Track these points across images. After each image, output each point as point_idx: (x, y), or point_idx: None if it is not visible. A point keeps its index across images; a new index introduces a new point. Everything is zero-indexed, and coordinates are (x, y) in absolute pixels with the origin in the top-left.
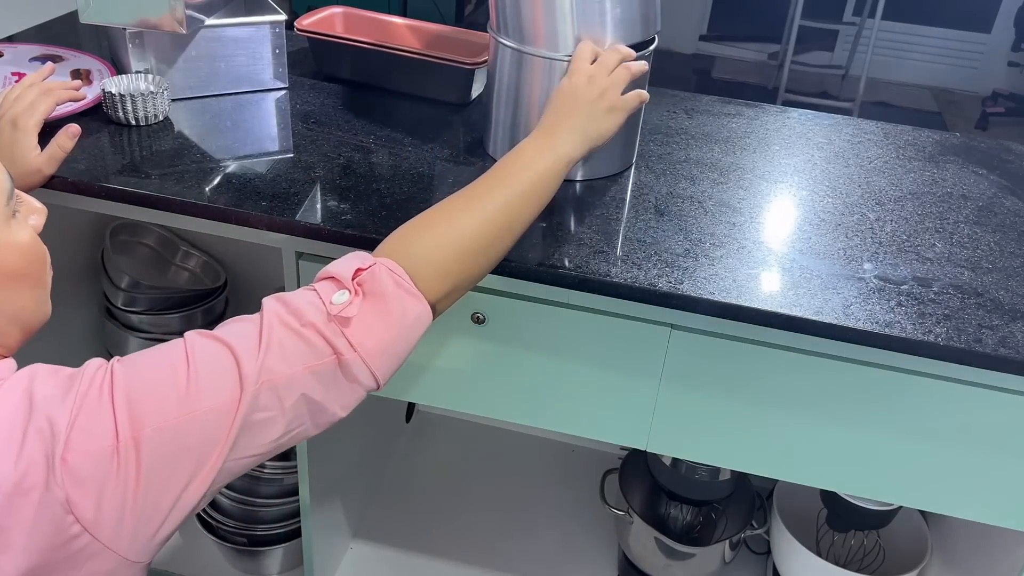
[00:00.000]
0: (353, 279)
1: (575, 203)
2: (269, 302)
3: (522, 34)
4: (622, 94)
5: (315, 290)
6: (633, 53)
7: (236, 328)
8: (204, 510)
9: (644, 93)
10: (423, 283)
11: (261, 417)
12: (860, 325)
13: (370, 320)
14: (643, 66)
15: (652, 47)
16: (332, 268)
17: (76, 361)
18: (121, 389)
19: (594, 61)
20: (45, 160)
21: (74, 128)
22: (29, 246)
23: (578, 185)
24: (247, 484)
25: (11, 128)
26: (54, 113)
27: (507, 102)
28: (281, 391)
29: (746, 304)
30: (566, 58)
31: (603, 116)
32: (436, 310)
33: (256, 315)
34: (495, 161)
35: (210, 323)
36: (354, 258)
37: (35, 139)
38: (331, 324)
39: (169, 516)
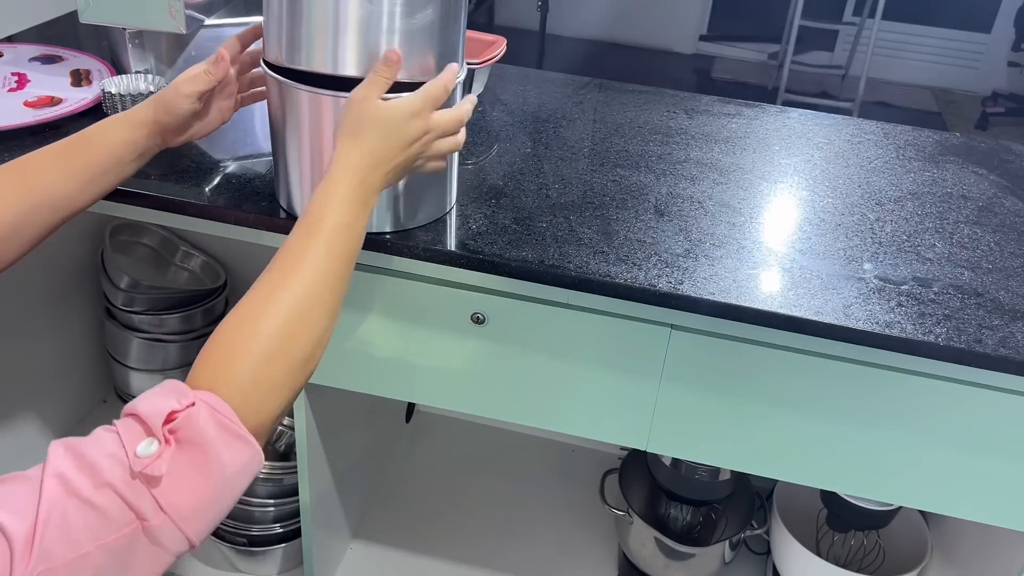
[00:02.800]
0: (164, 425)
1: (572, 206)
2: (56, 454)
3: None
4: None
5: (117, 433)
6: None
7: (12, 497)
8: None
9: (460, 138)
10: (252, 414)
11: None
12: (860, 325)
13: (186, 475)
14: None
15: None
16: (140, 405)
17: (76, 360)
18: None
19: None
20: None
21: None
22: None
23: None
24: None
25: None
26: (53, 114)
27: (300, 145)
28: None
29: (746, 304)
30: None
31: (409, 172)
32: (266, 439)
33: (37, 472)
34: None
35: (210, 323)
36: (168, 393)
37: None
38: (135, 482)
39: None
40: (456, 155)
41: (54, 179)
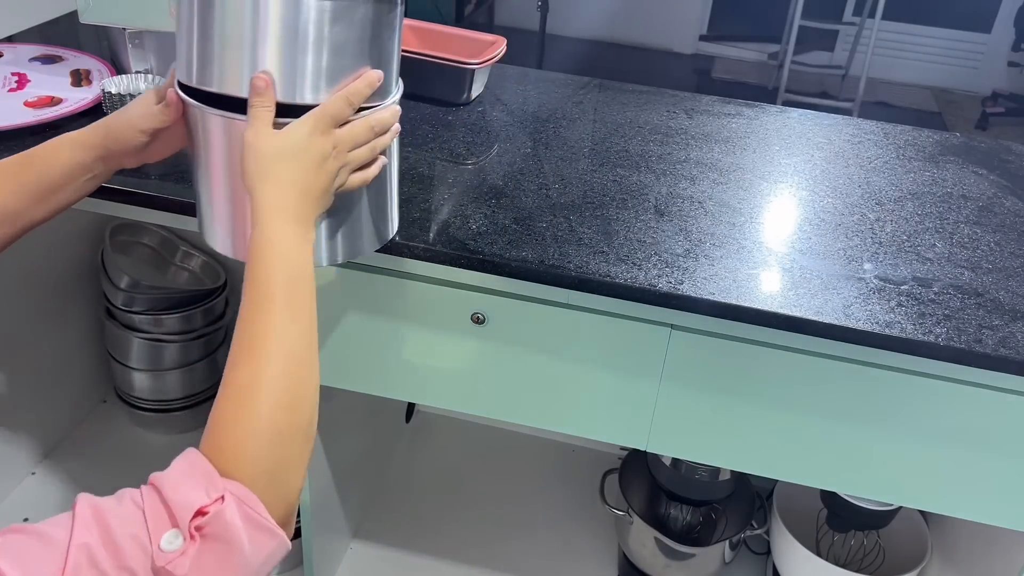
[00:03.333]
0: (192, 520)
1: (569, 207)
2: (82, 520)
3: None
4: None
5: (143, 512)
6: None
7: (33, 557)
8: None
9: (373, 171)
10: (281, 499)
11: None
12: (860, 325)
13: (209, 571)
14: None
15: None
16: (168, 488)
17: (76, 360)
18: None
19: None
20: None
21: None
22: None
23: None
24: None
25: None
26: (53, 114)
27: (214, 177)
28: None
29: (746, 304)
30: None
31: (333, 190)
32: (293, 519)
33: (63, 534)
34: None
35: (210, 323)
36: (198, 481)
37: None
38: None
39: None
40: (393, 176)
41: (4, 195)
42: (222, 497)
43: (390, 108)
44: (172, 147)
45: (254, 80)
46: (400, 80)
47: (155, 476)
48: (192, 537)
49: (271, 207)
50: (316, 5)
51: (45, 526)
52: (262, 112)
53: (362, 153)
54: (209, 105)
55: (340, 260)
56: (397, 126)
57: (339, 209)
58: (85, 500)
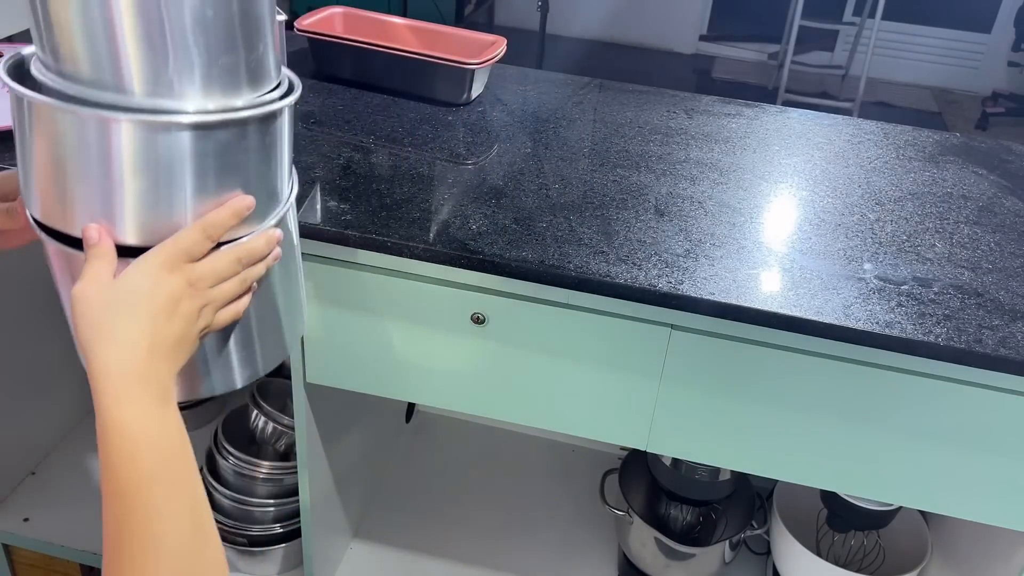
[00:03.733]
0: None
1: (568, 206)
2: None
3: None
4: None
5: None
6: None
7: None
8: None
9: (241, 305)
10: None
11: None
12: (860, 325)
13: None
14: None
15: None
16: None
17: (76, 360)
18: None
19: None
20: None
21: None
22: None
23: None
24: (246, 484)
25: None
26: None
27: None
28: None
29: (746, 304)
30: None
31: (197, 336)
32: None
33: None
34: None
35: None
36: None
37: None
38: None
39: None
40: (295, 273)
41: None
42: None
43: (264, 235)
44: (28, 238)
45: (85, 231)
46: (293, 188)
47: None
48: None
49: (111, 374)
50: (166, 136)
51: None
52: (96, 264)
53: (230, 287)
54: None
55: (241, 384)
56: (277, 251)
57: (219, 340)
58: None
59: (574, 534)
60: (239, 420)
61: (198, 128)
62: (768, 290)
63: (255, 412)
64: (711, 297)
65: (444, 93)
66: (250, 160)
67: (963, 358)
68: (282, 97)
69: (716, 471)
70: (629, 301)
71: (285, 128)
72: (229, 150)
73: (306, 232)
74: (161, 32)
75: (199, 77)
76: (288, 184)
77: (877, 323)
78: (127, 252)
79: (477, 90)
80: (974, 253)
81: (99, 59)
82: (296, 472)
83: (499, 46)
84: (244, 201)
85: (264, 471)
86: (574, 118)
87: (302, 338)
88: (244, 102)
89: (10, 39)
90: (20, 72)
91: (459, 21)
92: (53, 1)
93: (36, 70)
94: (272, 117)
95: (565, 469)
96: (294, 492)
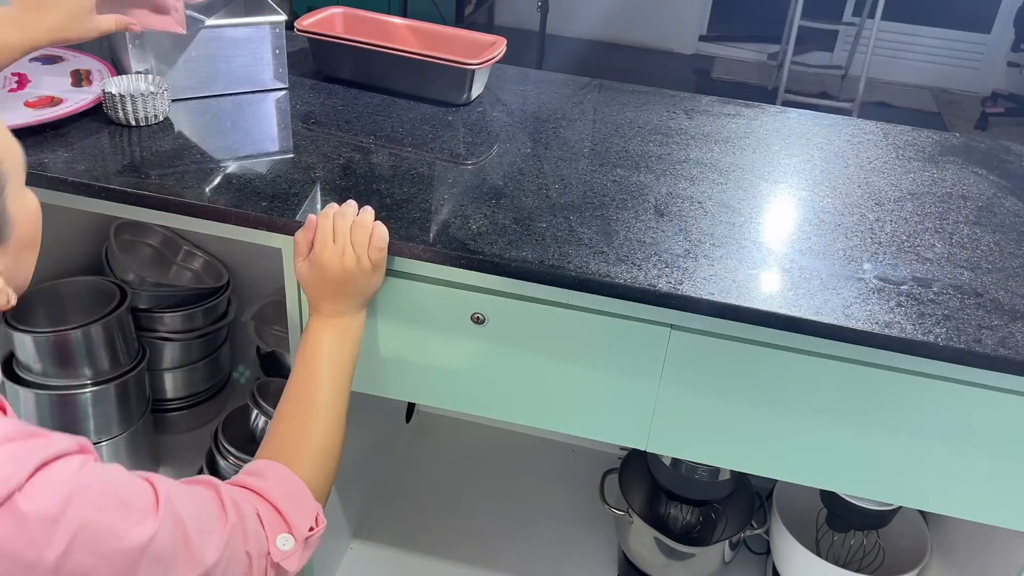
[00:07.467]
0: (306, 538)
1: (569, 207)
2: (229, 503)
3: None
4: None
5: (259, 518)
6: (355, 209)
7: (208, 512)
8: None
9: (381, 238)
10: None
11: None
12: (860, 325)
13: (299, 567)
14: (373, 225)
15: None
16: (281, 502)
17: None
18: None
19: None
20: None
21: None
22: (38, 211)
23: None
24: None
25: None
26: (54, 114)
27: None
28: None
29: (746, 304)
30: None
31: (369, 280)
32: None
33: (220, 510)
34: None
35: (212, 322)
36: (306, 506)
37: None
38: (264, 564)
39: None
40: None
41: None
42: (317, 518)
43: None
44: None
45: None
46: None
47: (264, 491)
48: (299, 545)
49: (346, 315)
50: None
51: (206, 493)
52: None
53: (345, 228)
54: None
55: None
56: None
57: None
58: (218, 486)
59: (574, 534)
60: (239, 420)
61: None
62: (768, 290)
63: (255, 412)
64: (711, 297)
65: (444, 93)
66: None
67: (962, 358)
68: None
69: (716, 471)
70: (629, 301)
71: None
72: None
73: None
74: None
75: None
76: None
77: (877, 323)
78: None
79: (477, 90)
80: (974, 253)
81: None
82: None
83: (499, 46)
84: (311, 220)
85: None
86: (574, 118)
87: None
88: None
89: None
90: None
91: (459, 21)
92: None
93: None
94: None
95: (565, 469)
96: None
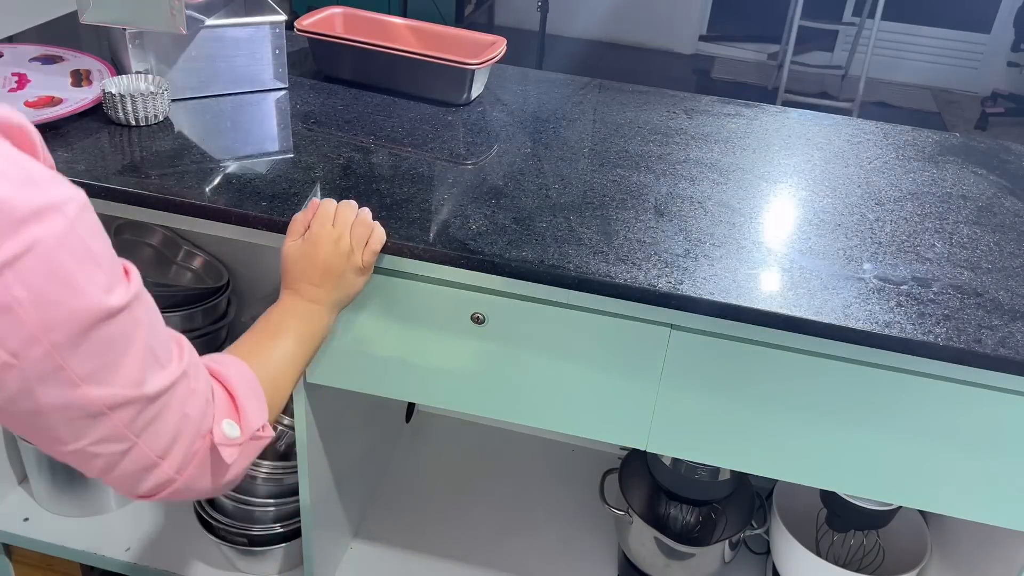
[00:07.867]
0: (252, 436)
1: (571, 206)
2: (185, 357)
3: None
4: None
5: (213, 395)
6: (357, 208)
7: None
8: (204, 510)
9: (379, 240)
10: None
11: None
12: (860, 325)
13: (242, 463)
14: (374, 225)
15: None
16: (240, 395)
17: None
18: None
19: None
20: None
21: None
22: None
23: None
24: (246, 484)
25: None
26: (54, 114)
27: None
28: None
29: (746, 304)
30: None
31: (353, 279)
32: None
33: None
34: None
35: (212, 322)
36: (261, 404)
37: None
38: (201, 444)
39: None
40: None
41: None
42: (265, 427)
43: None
44: None
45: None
46: None
47: (224, 375)
48: (247, 437)
49: (321, 303)
50: None
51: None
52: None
53: (345, 222)
54: None
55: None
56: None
57: None
58: (182, 341)
59: (574, 534)
60: None
61: None
62: (767, 290)
63: None
64: (711, 297)
65: (444, 93)
66: None
67: (963, 358)
68: None
69: (716, 471)
70: (629, 301)
71: None
72: None
73: None
74: None
75: None
76: None
77: (876, 323)
78: None
79: (477, 90)
80: (973, 253)
81: None
82: (296, 472)
83: (499, 46)
84: (315, 203)
85: (264, 471)
86: (574, 118)
87: None
88: None
89: (10, 39)
90: None
91: (459, 21)
92: None
93: None
94: None
95: (565, 469)
96: (294, 492)
